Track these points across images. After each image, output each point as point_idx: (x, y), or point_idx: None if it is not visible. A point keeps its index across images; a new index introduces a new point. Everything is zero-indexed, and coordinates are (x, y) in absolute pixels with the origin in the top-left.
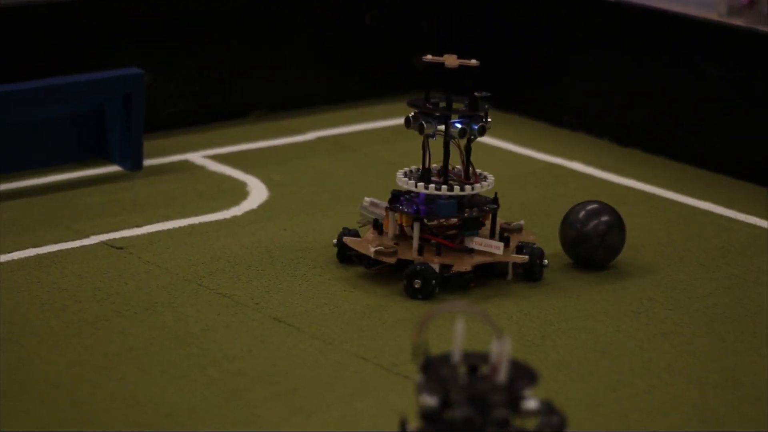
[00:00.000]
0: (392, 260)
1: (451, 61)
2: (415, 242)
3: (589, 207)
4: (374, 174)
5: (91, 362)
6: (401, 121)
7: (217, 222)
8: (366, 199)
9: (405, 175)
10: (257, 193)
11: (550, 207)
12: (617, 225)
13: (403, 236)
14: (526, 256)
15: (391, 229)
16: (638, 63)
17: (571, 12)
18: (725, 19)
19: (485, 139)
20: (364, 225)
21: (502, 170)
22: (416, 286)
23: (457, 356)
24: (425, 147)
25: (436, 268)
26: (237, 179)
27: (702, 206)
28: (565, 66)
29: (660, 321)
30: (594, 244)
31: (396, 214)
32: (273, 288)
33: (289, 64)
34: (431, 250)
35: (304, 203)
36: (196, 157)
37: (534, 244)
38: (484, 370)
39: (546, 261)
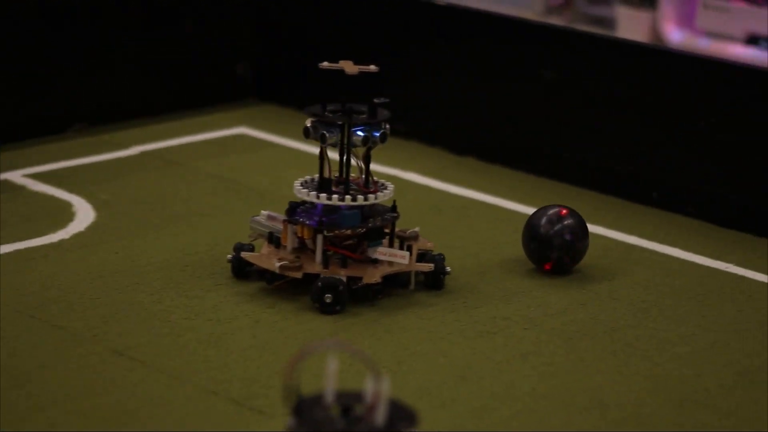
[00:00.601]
0: (298, 274)
1: (350, 67)
2: (319, 255)
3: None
4: (205, 190)
5: None
6: (229, 132)
7: (44, 247)
8: (262, 212)
9: (302, 185)
10: (84, 213)
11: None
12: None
13: (302, 249)
14: (432, 265)
15: (289, 242)
16: (463, 66)
17: (390, 13)
18: (544, 19)
19: (309, 148)
20: (255, 239)
21: None
22: (328, 300)
23: (330, 396)
24: (324, 156)
25: (343, 280)
26: (61, 199)
27: None
28: (390, 71)
29: (517, 341)
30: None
31: (296, 227)
32: (110, 317)
33: (109, 74)
34: (336, 262)
35: (134, 224)
36: (16, 177)
37: (432, 251)
38: (360, 410)
39: (449, 268)
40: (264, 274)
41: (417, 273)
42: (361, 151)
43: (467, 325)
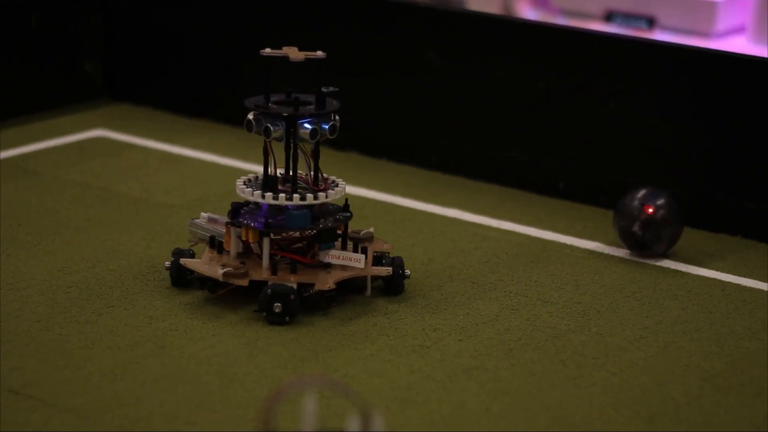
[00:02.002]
0: (244, 282)
1: (295, 54)
2: (266, 260)
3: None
4: (72, 200)
5: None
6: (85, 135)
7: None
8: (203, 214)
9: (245, 184)
10: None
11: None
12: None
13: (247, 254)
14: (389, 268)
15: (233, 247)
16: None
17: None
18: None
19: (176, 149)
20: (195, 244)
21: (223, 185)
22: (277, 310)
23: None
24: (268, 152)
25: (294, 287)
26: None
27: (451, 214)
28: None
29: (455, 355)
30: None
31: (240, 230)
32: None
33: None
34: (285, 268)
35: (2, 242)
36: None
37: (389, 253)
38: None
39: (408, 271)
40: (206, 282)
41: (373, 278)
42: (309, 146)
43: (396, 340)
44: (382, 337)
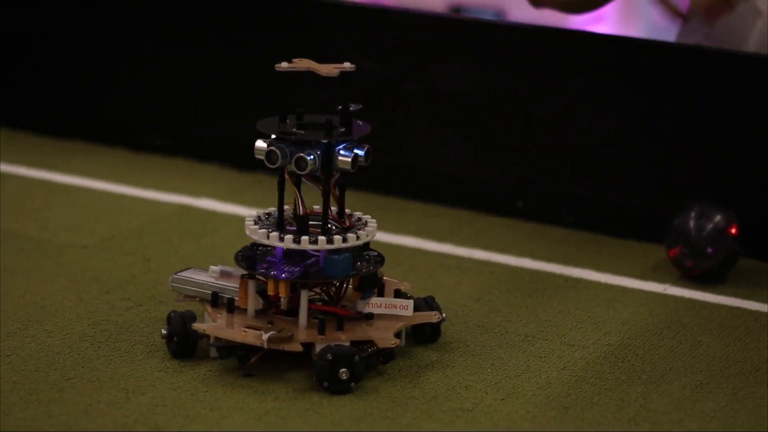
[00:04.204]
0: (296, 347)
1: (325, 69)
2: (303, 318)
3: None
4: None
5: None
6: None
7: None
8: (213, 268)
9: (259, 225)
10: None
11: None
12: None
13: (264, 312)
14: (437, 313)
15: (251, 304)
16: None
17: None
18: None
19: (49, 176)
20: (183, 302)
21: (131, 219)
22: (344, 376)
23: None
24: (294, 185)
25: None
26: None
27: (411, 243)
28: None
29: (507, 419)
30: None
31: (268, 282)
32: None
33: None
34: (330, 325)
35: None
36: None
37: (409, 293)
38: None
39: (444, 315)
40: (229, 351)
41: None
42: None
43: (428, 404)
44: (412, 401)
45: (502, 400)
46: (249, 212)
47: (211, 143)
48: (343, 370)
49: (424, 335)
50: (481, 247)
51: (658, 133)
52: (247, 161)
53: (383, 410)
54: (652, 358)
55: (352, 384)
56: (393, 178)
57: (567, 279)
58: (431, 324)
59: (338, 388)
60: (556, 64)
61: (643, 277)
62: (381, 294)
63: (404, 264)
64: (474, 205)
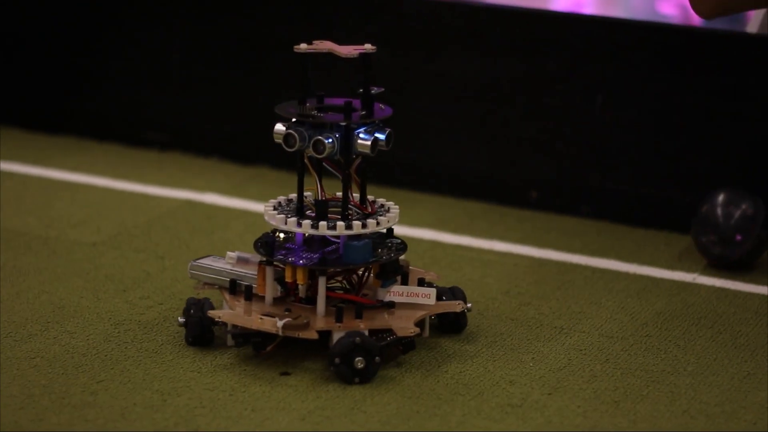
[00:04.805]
0: (312, 334)
1: (344, 50)
2: (322, 305)
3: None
4: None
5: None
6: None
7: None
8: (230, 254)
9: (278, 211)
10: None
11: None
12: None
13: (282, 300)
14: (462, 302)
15: (269, 291)
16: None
17: None
18: None
19: (41, 172)
20: (202, 289)
21: (136, 215)
22: (359, 366)
23: None
24: (314, 169)
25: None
26: None
27: (427, 236)
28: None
29: (559, 415)
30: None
31: (286, 268)
32: None
33: None
34: (349, 313)
35: None
36: None
37: (434, 282)
38: None
39: (470, 304)
40: (245, 339)
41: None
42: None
43: (475, 400)
44: (458, 397)
45: (550, 394)
46: (256, 206)
47: (209, 137)
48: (359, 358)
49: (448, 326)
50: (499, 238)
51: (676, 121)
52: (247, 155)
53: (430, 407)
54: (694, 349)
55: (356, 379)
56: (403, 171)
57: (594, 270)
58: (455, 314)
59: (343, 372)
60: (570, 51)
61: (670, 266)
62: (405, 283)
63: (425, 257)
64: (486, 197)
